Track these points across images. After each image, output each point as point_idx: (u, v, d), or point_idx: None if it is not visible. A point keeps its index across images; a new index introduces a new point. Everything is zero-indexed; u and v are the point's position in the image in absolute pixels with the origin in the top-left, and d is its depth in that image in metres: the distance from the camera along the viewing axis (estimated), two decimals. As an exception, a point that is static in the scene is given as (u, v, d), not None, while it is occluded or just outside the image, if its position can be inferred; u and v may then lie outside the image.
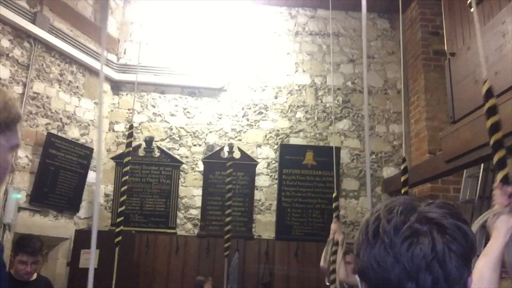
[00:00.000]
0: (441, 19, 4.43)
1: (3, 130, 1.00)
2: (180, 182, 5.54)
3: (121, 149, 5.46)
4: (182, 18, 5.98)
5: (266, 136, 5.78)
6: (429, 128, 5.17)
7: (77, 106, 5.23)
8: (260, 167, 5.64)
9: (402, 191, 3.01)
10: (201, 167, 5.59)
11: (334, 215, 3.72)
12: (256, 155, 5.69)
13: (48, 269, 4.80)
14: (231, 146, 5.55)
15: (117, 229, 3.80)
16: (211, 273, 4.98)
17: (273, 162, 5.70)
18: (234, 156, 5.57)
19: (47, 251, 4.75)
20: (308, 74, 6.01)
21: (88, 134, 5.35)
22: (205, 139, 5.72)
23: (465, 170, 4.06)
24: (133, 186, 5.43)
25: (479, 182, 3.97)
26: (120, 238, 3.78)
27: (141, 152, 5.57)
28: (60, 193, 4.83)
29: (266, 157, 5.71)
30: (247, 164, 5.55)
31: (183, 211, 5.51)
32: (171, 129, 5.72)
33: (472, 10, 3.27)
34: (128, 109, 5.72)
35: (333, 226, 3.63)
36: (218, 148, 5.63)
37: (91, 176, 5.34)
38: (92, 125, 5.43)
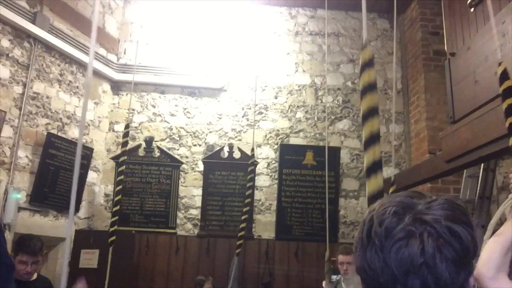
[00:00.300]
0: (441, 19, 4.43)
1: None
2: (180, 182, 5.54)
3: (121, 149, 5.45)
4: (182, 18, 5.98)
5: (266, 136, 5.78)
6: (429, 128, 5.17)
7: (77, 106, 5.23)
8: (260, 167, 5.64)
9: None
10: (201, 167, 5.59)
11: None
12: (256, 155, 5.69)
13: (48, 269, 4.80)
14: (231, 146, 5.56)
15: (111, 229, 3.81)
16: (211, 273, 4.98)
17: (273, 162, 5.70)
18: (234, 156, 5.57)
19: (47, 251, 4.75)
20: (308, 74, 6.01)
21: (88, 134, 5.35)
22: (205, 139, 5.72)
23: (465, 170, 4.06)
24: (133, 186, 5.44)
25: (479, 182, 3.97)
26: (114, 237, 3.79)
27: (141, 152, 5.57)
28: (60, 193, 4.83)
29: (266, 157, 5.71)
30: (247, 164, 5.54)
31: (183, 211, 5.51)
32: (171, 129, 5.72)
33: (472, 10, 3.27)
34: (129, 109, 5.72)
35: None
36: (218, 148, 5.63)
37: (91, 176, 5.34)
38: (92, 125, 5.43)
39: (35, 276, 3.10)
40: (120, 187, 3.90)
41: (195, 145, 5.70)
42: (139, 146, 5.57)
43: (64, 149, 4.89)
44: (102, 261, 4.12)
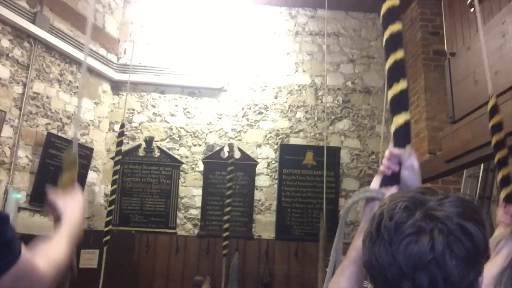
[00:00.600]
0: (441, 19, 4.43)
1: None
2: (180, 182, 5.54)
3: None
4: (182, 18, 5.98)
5: (266, 136, 5.78)
6: (429, 128, 5.17)
7: (77, 106, 5.22)
8: (260, 167, 5.64)
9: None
10: (201, 167, 5.59)
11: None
12: (256, 155, 5.69)
13: (48, 269, 4.80)
14: (231, 146, 5.55)
15: (106, 228, 3.82)
16: (211, 273, 4.98)
17: (273, 162, 5.70)
18: (234, 156, 5.57)
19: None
20: (308, 74, 6.01)
21: (88, 134, 5.35)
22: (205, 139, 5.72)
23: (465, 170, 4.06)
24: (133, 186, 5.44)
25: (479, 182, 3.97)
26: (108, 237, 3.79)
27: (141, 152, 5.57)
28: (60, 193, 4.82)
29: (266, 157, 5.71)
30: (247, 164, 5.55)
31: (183, 211, 5.51)
32: (171, 129, 5.72)
33: (472, 10, 3.27)
34: (128, 109, 5.72)
35: None
36: (218, 148, 5.63)
37: (91, 176, 5.34)
38: (92, 125, 5.43)
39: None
40: (115, 186, 3.92)
41: (195, 145, 5.70)
42: (139, 146, 5.57)
43: (64, 149, 4.89)
44: (102, 261, 4.12)
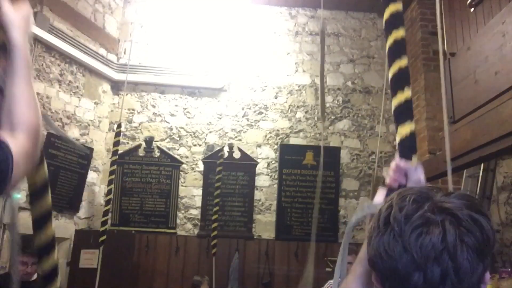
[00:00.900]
0: (441, 19, 4.43)
1: None
2: (180, 182, 5.53)
3: (121, 149, 5.46)
4: (182, 18, 5.98)
5: (266, 136, 5.77)
6: (429, 128, 5.17)
7: (77, 106, 5.23)
8: (260, 167, 5.64)
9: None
10: (201, 167, 5.59)
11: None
12: (256, 155, 5.69)
13: (48, 269, 4.80)
14: (231, 146, 5.56)
15: (102, 228, 3.82)
16: (211, 273, 4.97)
17: (273, 162, 5.70)
18: (234, 156, 5.57)
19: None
20: (308, 74, 6.01)
21: (88, 134, 5.35)
22: (205, 139, 5.72)
23: (465, 170, 4.06)
24: (133, 186, 5.44)
25: (479, 182, 3.97)
26: (105, 237, 3.79)
27: (141, 152, 5.57)
28: (60, 193, 4.83)
29: (266, 157, 5.71)
30: (247, 164, 5.55)
31: (183, 211, 5.51)
32: (171, 129, 5.72)
33: (472, 10, 3.27)
34: (128, 109, 5.72)
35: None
36: (218, 148, 5.62)
37: (91, 176, 5.34)
38: (92, 125, 5.43)
39: (35, 276, 3.10)
40: (111, 186, 3.93)
41: (195, 145, 5.70)
42: (139, 146, 5.57)
43: (64, 149, 4.89)
44: (103, 261, 4.12)
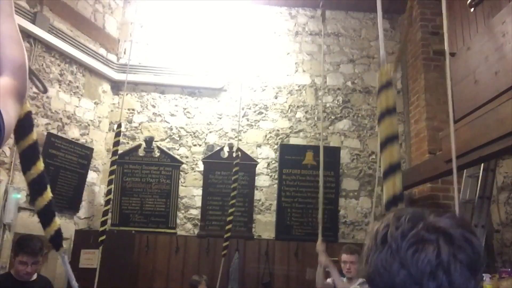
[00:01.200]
0: (441, 19, 4.43)
1: None
2: (180, 182, 5.53)
3: (121, 149, 5.46)
4: (182, 18, 5.98)
5: (266, 136, 5.77)
6: (429, 128, 5.17)
7: (77, 106, 5.23)
8: (260, 167, 5.64)
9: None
10: (201, 167, 5.59)
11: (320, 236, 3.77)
12: (256, 155, 5.69)
13: (48, 269, 4.80)
14: (231, 146, 5.56)
15: (101, 228, 3.81)
16: (211, 273, 4.97)
17: (273, 162, 5.70)
18: (234, 156, 5.57)
19: (47, 251, 4.75)
20: (308, 74, 6.01)
21: (88, 134, 5.35)
22: (205, 139, 5.72)
23: (465, 170, 4.06)
24: (133, 186, 5.44)
25: (479, 182, 3.97)
26: (104, 237, 3.79)
27: (141, 152, 5.57)
28: (60, 193, 4.83)
29: (266, 157, 5.71)
30: (247, 164, 5.54)
31: (183, 211, 5.51)
32: (171, 129, 5.72)
33: (472, 10, 3.27)
34: (128, 109, 5.72)
35: (318, 246, 3.72)
36: (218, 148, 5.63)
37: (91, 176, 5.34)
38: (92, 125, 5.43)
39: (35, 276, 3.10)
40: (111, 186, 3.93)
41: (195, 145, 5.70)
42: (139, 146, 5.57)
43: (64, 149, 4.89)
44: (103, 261, 4.12)
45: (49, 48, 4.84)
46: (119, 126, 4.04)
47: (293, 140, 5.79)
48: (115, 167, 3.92)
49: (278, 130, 5.79)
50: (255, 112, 5.83)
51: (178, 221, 5.46)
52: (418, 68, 5.51)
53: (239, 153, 4.96)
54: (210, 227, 5.37)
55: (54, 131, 4.85)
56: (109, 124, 5.69)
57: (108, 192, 3.92)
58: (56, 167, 4.79)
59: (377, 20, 6.59)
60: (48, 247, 4.81)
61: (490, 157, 3.43)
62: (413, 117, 5.62)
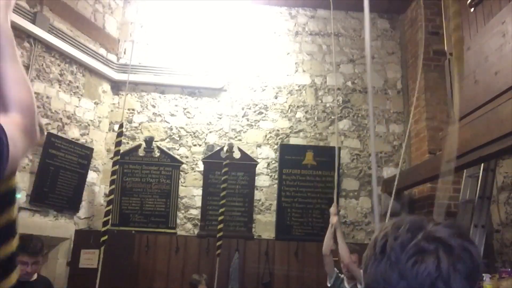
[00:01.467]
0: (441, 19, 4.43)
1: None
2: (180, 182, 5.53)
3: (121, 149, 5.45)
4: (182, 18, 5.98)
5: (266, 136, 5.78)
6: (429, 128, 5.17)
7: (77, 106, 5.23)
8: (260, 167, 5.64)
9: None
10: (201, 167, 5.59)
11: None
12: (256, 155, 5.69)
13: (48, 269, 4.80)
14: (231, 146, 5.55)
15: (103, 228, 3.82)
16: (211, 273, 4.97)
17: (273, 162, 5.70)
18: (234, 156, 5.57)
19: (47, 251, 4.75)
20: (308, 74, 6.01)
21: (88, 134, 5.35)
22: (205, 139, 5.72)
23: (465, 170, 4.06)
24: (133, 186, 5.44)
25: (479, 182, 3.97)
26: (106, 237, 3.79)
27: (141, 152, 5.57)
28: (60, 193, 4.83)
29: (266, 157, 5.71)
30: (247, 164, 5.55)
31: (183, 211, 5.51)
32: (171, 129, 5.72)
33: (472, 10, 3.27)
34: (129, 109, 5.72)
35: (331, 209, 3.95)
36: (218, 148, 5.63)
37: (91, 176, 5.34)
38: (92, 125, 5.43)
39: (35, 276, 3.10)
40: (113, 186, 3.93)
41: (195, 145, 5.70)
42: (139, 146, 5.57)
43: (64, 149, 4.89)
44: (104, 261, 4.12)
45: (49, 48, 4.84)
46: (121, 126, 4.05)
47: (293, 140, 5.79)
48: (117, 167, 3.93)
49: (278, 130, 5.80)
50: (255, 112, 5.83)
51: (178, 221, 5.46)
52: (418, 68, 5.51)
53: (231, 152, 4.96)
54: (210, 227, 5.37)
55: (54, 131, 4.85)
56: (109, 124, 5.69)
57: (110, 192, 3.92)
58: (56, 167, 4.79)
59: (377, 20, 6.57)
60: (49, 247, 4.82)
61: (490, 157, 3.42)
62: (413, 117, 5.63)
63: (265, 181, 5.64)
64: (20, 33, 4.51)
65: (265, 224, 5.52)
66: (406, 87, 5.94)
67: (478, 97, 3.08)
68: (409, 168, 5.35)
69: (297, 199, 5.54)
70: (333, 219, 3.88)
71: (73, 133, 5.12)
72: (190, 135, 5.72)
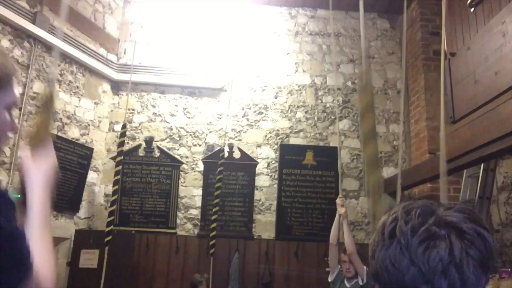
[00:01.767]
0: (441, 19, 4.43)
1: None
2: (180, 182, 5.53)
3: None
4: (182, 18, 5.98)
5: (266, 136, 5.77)
6: (429, 128, 5.17)
7: (77, 106, 5.23)
8: (260, 167, 5.64)
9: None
10: (201, 167, 5.59)
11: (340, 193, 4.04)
12: (256, 155, 5.69)
13: (48, 269, 4.80)
14: (231, 146, 5.56)
15: (107, 229, 3.82)
16: (211, 273, 4.96)
17: (273, 162, 5.70)
18: (234, 156, 5.57)
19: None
20: (308, 74, 6.01)
21: (88, 134, 5.35)
22: (205, 139, 5.72)
23: (465, 170, 4.06)
24: (133, 186, 5.44)
25: (479, 182, 3.97)
26: (110, 237, 3.79)
27: (141, 152, 5.57)
28: (59, 193, 4.83)
29: (266, 157, 5.71)
30: (247, 164, 5.55)
31: (183, 211, 5.51)
32: (171, 129, 5.72)
33: (472, 10, 3.27)
34: (129, 109, 5.72)
35: (338, 200, 3.91)
36: (218, 148, 5.62)
37: (91, 176, 5.34)
38: (92, 125, 5.43)
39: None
40: (117, 187, 3.93)
41: (195, 145, 5.70)
42: (139, 146, 5.57)
43: (64, 149, 4.89)
44: (102, 261, 4.12)
45: (49, 48, 4.84)
46: (124, 126, 4.04)
47: (293, 140, 5.79)
48: (120, 167, 3.92)
49: (278, 130, 5.79)
50: (255, 112, 5.83)
51: (178, 221, 5.46)
52: (418, 68, 5.51)
53: (226, 152, 4.98)
54: (210, 227, 5.36)
55: (54, 131, 4.85)
56: (109, 124, 5.69)
57: (114, 193, 3.92)
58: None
59: (377, 20, 6.57)
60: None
61: (490, 157, 3.43)
62: (413, 117, 5.63)
63: (265, 181, 5.64)
64: (20, 33, 4.51)
65: (265, 224, 5.52)
66: (406, 87, 5.94)
67: (478, 97, 3.08)
68: (409, 168, 5.35)
69: (297, 199, 5.54)
70: (341, 210, 3.88)
71: (73, 133, 5.12)
72: (190, 135, 5.72)
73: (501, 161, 4.41)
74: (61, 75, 5.03)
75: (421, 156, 5.25)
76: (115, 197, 3.96)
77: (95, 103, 5.48)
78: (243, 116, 5.81)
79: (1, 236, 0.77)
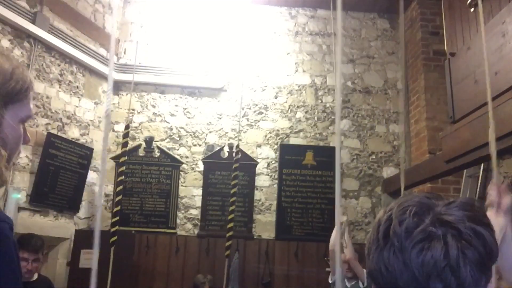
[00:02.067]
0: (441, 19, 4.43)
1: (11, 102, 0.90)
2: (180, 182, 5.53)
3: (121, 149, 5.46)
4: (182, 18, 5.98)
5: (266, 136, 5.77)
6: (429, 128, 5.17)
7: (77, 106, 5.23)
8: (260, 167, 5.64)
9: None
10: (201, 167, 5.59)
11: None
12: (256, 155, 5.69)
13: (48, 269, 4.80)
14: (231, 146, 5.55)
15: (113, 229, 3.82)
16: (211, 273, 4.97)
17: (273, 162, 5.70)
18: (234, 156, 5.57)
19: (47, 251, 4.75)
20: (308, 74, 6.01)
21: (88, 134, 5.35)
22: (205, 139, 5.72)
23: (465, 170, 4.06)
24: (133, 186, 5.44)
25: (479, 182, 3.98)
26: (115, 237, 3.80)
27: (141, 152, 5.57)
28: (60, 193, 4.83)
29: (266, 157, 5.71)
30: (247, 164, 5.54)
31: (183, 211, 5.51)
32: (171, 129, 5.72)
33: (472, 10, 3.27)
34: (129, 109, 5.72)
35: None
36: (218, 148, 5.63)
37: (91, 176, 5.34)
38: (92, 125, 5.43)
39: (35, 276, 3.10)
40: (120, 187, 3.92)
41: (195, 145, 5.70)
42: (139, 146, 5.57)
43: (64, 149, 4.89)
44: (102, 261, 4.11)
45: (49, 48, 4.84)
46: (127, 127, 4.04)
47: (293, 140, 5.79)
48: (123, 168, 3.91)
49: (278, 130, 5.80)
50: (255, 112, 5.83)
51: (178, 221, 5.46)
52: (418, 68, 5.51)
53: (239, 152, 4.95)
54: (210, 227, 5.37)
55: (54, 131, 4.85)
56: (109, 124, 5.68)
57: (118, 193, 3.91)
58: (56, 167, 4.79)
59: (377, 20, 6.56)
60: (49, 247, 4.82)
61: (490, 157, 3.42)
62: (413, 117, 5.63)
63: (265, 181, 5.64)
64: (20, 33, 4.51)
65: (265, 224, 5.52)
66: (406, 87, 5.94)
67: (478, 97, 3.08)
68: (409, 168, 5.35)
69: (297, 199, 5.54)
70: (342, 218, 3.87)
71: (73, 133, 5.12)
72: (190, 135, 5.72)
73: (501, 161, 4.41)
74: (61, 75, 5.03)
75: (421, 156, 5.25)
76: (119, 197, 3.94)
77: (95, 103, 5.48)
78: (243, 116, 5.81)
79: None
